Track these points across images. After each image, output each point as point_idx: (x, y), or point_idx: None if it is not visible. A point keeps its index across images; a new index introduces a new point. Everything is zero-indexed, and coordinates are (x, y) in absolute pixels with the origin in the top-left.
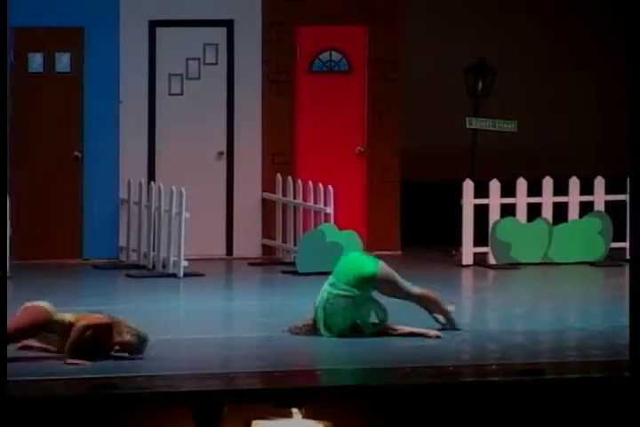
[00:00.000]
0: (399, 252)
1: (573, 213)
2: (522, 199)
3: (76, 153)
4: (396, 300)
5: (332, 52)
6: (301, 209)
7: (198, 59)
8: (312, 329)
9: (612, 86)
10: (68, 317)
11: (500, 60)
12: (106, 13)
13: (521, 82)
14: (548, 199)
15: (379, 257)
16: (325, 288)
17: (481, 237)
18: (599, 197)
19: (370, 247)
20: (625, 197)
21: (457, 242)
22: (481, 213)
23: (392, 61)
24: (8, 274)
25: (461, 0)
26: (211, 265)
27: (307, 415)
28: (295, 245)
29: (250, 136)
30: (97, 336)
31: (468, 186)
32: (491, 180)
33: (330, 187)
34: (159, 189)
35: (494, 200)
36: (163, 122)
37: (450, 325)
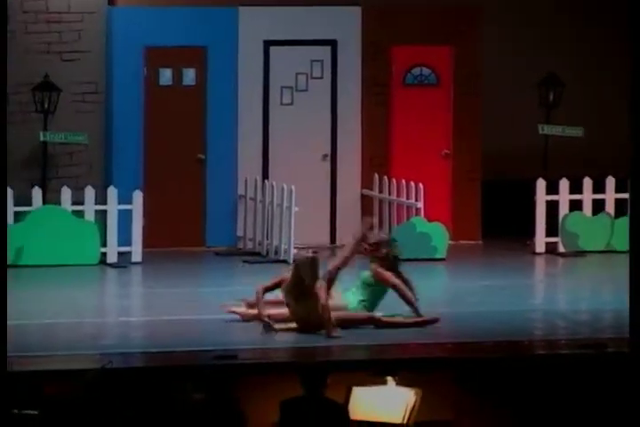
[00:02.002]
0: (480, 241)
1: None
2: (588, 196)
3: (200, 155)
4: None
5: (423, 68)
6: (395, 204)
7: (306, 73)
8: None
9: None
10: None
11: (568, 73)
12: (226, 35)
13: (586, 92)
14: (610, 196)
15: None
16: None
17: (552, 228)
18: None
19: (455, 237)
20: None
21: (531, 233)
22: (552, 207)
23: (474, 75)
24: (140, 260)
25: (534, 21)
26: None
27: (400, 383)
28: (390, 235)
29: (351, 140)
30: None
31: (541, 184)
32: (561, 179)
33: (420, 184)
34: (272, 186)
35: (564, 196)
36: (275, 128)
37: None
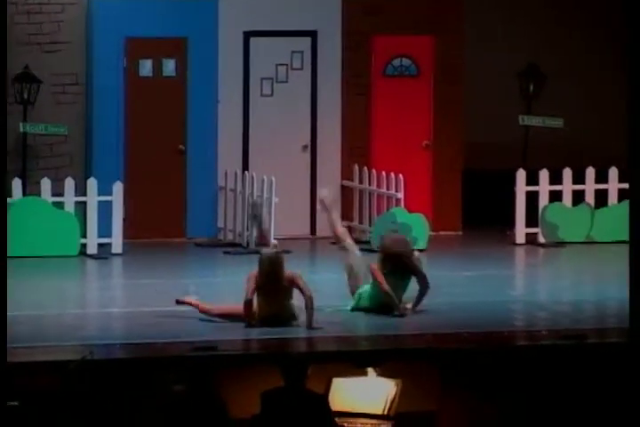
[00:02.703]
0: (460, 232)
1: (613, 198)
2: (568, 186)
3: (180, 147)
4: None
5: (403, 59)
6: (375, 195)
7: (286, 64)
8: None
9: None
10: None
11: (549, 65)
12: (207, 25)
13: (567, 84)
14: (590, 187)
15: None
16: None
17: (532, 219)
18: None
19: (435, 228)
20: None
21: (511, 223)
22: (532, 198)
23: (455, 66)
24: (121, 251)
25: (516, 12)
26: (297, 243)
27: (380, 374)
28: (370, 225)
29: (331, 131)
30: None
31: (521, 175)
32: (541, 169)
33: (400, 175)
34: (252, 177)
35: (544, 187)
36: (255, 119)
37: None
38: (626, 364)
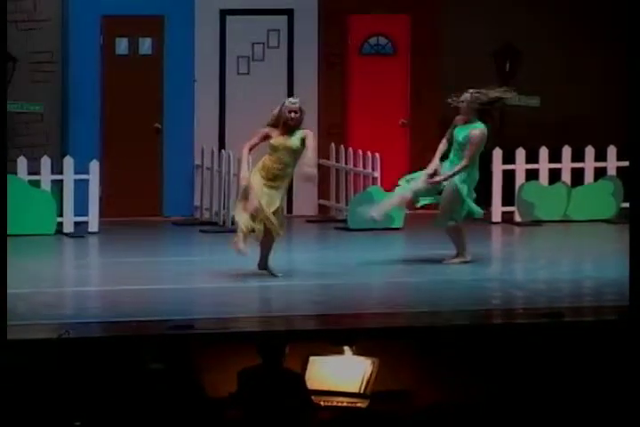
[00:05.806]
0: (437, 211)
1: (589, 177)
2: (544, 165)
3: (156, 125)
4: None
5: (380, 37)
6: (352, 173)
7: (263, 43)
8: None
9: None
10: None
11: (524, 42)
12: (183, 3)
13: (543, 61)
14: (567, 165)
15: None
16: None
17: (508, 198)
18: (611, 164)
19: (411, 207)
20: None
21: (487, 202)
22: (508, 177)
23: (432, 45)
24: (97, 230)
25: None
26: None
27: (357, 353)
28: (347, 204)
29: (307, 110)
30: None
31: (498, 154)
32: (517, 148)
33: (377, 154)
34: (229, 156)
35: (520, 166)
36: (231, 98)
37: None
38: (601, 342)
